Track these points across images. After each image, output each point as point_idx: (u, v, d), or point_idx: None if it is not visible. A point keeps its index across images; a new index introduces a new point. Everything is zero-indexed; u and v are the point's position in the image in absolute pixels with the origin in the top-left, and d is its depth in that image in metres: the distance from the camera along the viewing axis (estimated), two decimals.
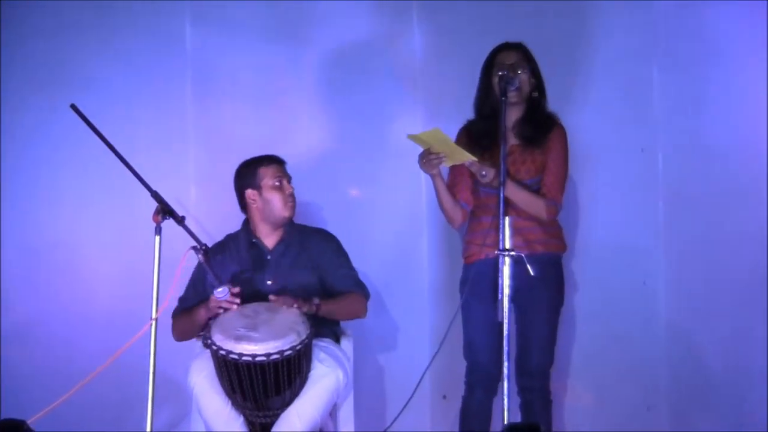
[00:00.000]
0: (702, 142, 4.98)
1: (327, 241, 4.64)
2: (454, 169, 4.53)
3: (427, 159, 4.27)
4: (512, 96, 4.26)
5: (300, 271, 4.49)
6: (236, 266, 4.51)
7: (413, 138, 4.24)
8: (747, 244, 4.70)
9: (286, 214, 4.51)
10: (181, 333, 4.49)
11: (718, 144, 4.87)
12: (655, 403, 5.24)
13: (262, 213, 4.52)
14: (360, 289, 4.58)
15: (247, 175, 4.53)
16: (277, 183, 4.49)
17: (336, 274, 4.56)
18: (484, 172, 4.26)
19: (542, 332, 4.49)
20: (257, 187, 4.50)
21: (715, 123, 4.91)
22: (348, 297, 4.52)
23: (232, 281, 4.30)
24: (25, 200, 5.16)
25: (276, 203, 4.49)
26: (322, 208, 5.13)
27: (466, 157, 4.26)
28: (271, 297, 4.25)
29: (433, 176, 4.39)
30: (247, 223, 4.61)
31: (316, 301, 4.29)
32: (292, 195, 4.51)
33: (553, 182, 4.45)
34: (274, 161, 4.54)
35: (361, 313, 4.58)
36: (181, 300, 4.54)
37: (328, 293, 4.48)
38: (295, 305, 4.18)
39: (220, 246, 4.62)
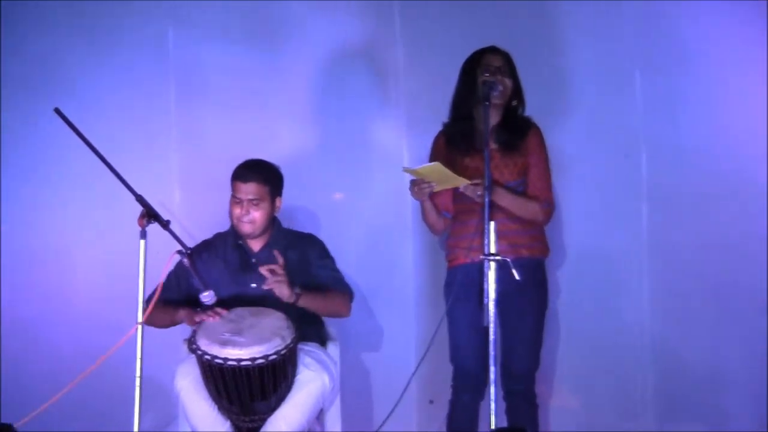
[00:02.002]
0: (685, 146, 5.00)
1: (312, 244, 4.61)
2: None
3: (419, 188, 4.26)
4: (495, 98, 4.22)
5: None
6: (221, 267, 4.48)
7: (409, 171, 4.21)
8: (731, 247, 4.73)
9: (240, 230, 4.45)
10: (152, 322, 4.11)
11: (701, 147, 4.90)
12: (641, 405, 5.26)
13: None
14: (343, 288, 4.54)
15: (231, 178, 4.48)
16: (236, 200, 4.40)
17: (319, 274, 4.52)
18: (479, 193, 4.16)
19: (527, 336, 4.49)
20: (231, 195, 4.46)
21: (697, 126, 4.94)
22: (330, 293, 4.49)
23: (217, 286, 4.27)
24: (10, 204, 5.11)
25: (233, 217, 4.44)
26: (305, 213, 5.13)
27: (460, 182, 4.21)
28: (262, 269, 4.23)
29: (422, 201, 4.41)
30: None
31: (297, 290, 4.27)
32: (248, 217, 4.39)
33: (541, 184, 4.46)
34: (240, 178, 4.39)
35: (343, 311, 4.54)
36: (163, 287, 4.28)
37: None
38: (277, 279, 4.20)
39: (207, 244, 4.58)
